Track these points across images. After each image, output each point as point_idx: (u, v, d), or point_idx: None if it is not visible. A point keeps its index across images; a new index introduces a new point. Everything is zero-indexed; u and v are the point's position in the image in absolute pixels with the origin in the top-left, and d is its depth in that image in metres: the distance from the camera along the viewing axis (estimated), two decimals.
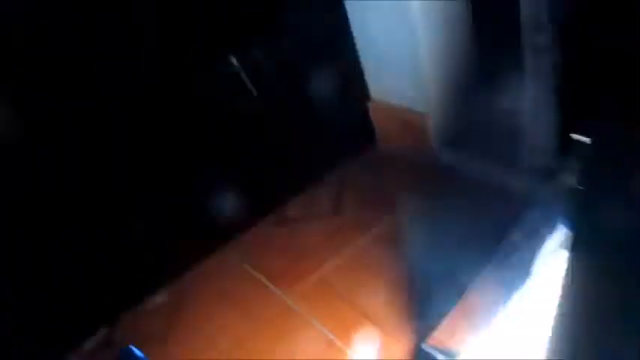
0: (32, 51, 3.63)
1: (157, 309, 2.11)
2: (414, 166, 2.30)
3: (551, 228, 1.79)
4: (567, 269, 1.35)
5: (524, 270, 1.73)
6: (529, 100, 1.94)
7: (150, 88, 3.17)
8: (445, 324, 1.65)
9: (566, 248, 1.64)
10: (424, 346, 1.64)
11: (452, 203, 2.11)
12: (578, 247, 1.37)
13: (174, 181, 2.80)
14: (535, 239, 1.79)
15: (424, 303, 1.80)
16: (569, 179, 1.88)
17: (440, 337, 1.63)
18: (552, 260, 1.72)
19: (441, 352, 1.61)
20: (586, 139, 1.82)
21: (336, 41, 2.55)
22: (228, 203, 2.35)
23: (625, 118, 1.67)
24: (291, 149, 2.90)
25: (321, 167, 2.49)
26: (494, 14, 2.12)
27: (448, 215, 2.07)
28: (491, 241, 1.83)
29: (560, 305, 1.27)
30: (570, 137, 1.88)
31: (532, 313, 1.62)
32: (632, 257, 1.22)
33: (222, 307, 2.01)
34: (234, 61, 3.03)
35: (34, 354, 2.04)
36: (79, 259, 2.38)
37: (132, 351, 1.65)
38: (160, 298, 2.15)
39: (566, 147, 1.92)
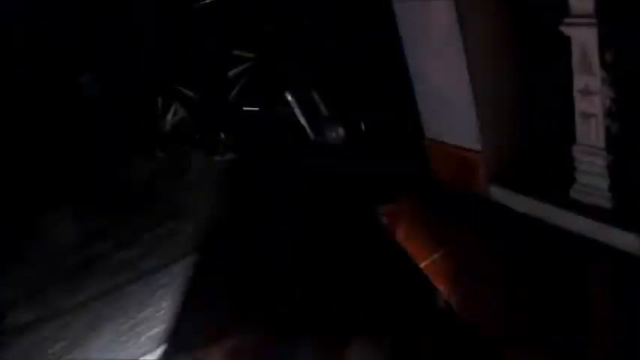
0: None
1: None
2: (466, 203, 2.37)
3: None
4: None
5: None
6: (580, 142, 2.01)
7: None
8: None
9: None
10: None
11: (501, 240, 2.18)
12: None
13: None
14: None
15: None
16: None
17: None
18: None
19: None
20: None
21: (393, 83, 2.68)
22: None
23: None
24: (348, 184, 3.01)
25: (376, 201, 2.58)
26: (545, 58, 2.20)
27: (496, 251, 2.14)
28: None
29: None
30: None
31: None
32: None
33: None
34: (289, 97, 3.17)
35: None
36: None
37: None
38: None
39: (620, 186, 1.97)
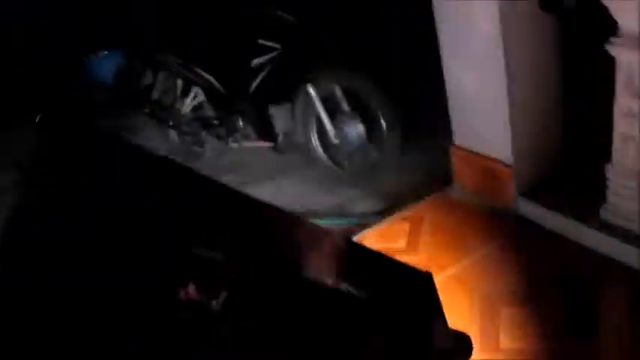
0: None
1: None
2: (490, 213, 2.37)
3: None
4: None
5: None
6: (615, 163, 2.00)
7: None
8: None
9: None
10: None
11: (526, 254, 2.18)
12: None
13: None
14: None
15: None
16: None
17: None
18: None
19: None
20: None
21: (423, 83, 2.65)
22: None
23: None
24: (367, 180, 3.00)
25: (396, 202, 2.57)
26: (588, 76, 2.18)
27: (520, 265, 2.14)
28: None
29: None
30: None
31: None
32: None
33: None
34: (311, 90, 3.13)
35: None
36: None
37: None
38: None
39: None
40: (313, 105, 3.15)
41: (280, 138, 3.37)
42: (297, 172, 3.39)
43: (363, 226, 2.67)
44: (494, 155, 2.31)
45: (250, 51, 3.24)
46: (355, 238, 2.45)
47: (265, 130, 3.38)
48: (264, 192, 3.30)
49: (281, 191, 3.29)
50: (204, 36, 3.51)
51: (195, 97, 3.52)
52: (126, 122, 4.25)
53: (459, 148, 2.47)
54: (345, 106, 3.12)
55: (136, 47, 3.75)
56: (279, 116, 3.35)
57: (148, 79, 3.71)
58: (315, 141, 3.28)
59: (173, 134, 3.73)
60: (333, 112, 3.15)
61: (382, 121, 2.93)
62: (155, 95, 3.67)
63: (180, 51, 3.50)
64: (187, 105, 3.53)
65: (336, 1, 3.48)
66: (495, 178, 2.34)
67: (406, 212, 2.52)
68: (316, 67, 3.13)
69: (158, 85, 3.66)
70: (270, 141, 3.38)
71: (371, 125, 3.04)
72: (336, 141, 3.13)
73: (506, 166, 2.28)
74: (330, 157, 3.25)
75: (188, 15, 3.53)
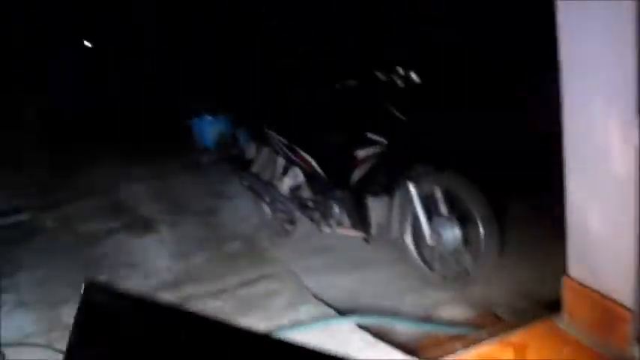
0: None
1: None
2: (602, 354, 2.28)
3: None
4: None
5: None
6: None
7: None
8: None
9: None
10: None
11: None
12: None
13: None
14: None
15: None
16: None
17: None
18: None
19: None
20: None
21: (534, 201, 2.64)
22: None
23: None
24: (458, 286, 2.97)
25: (502, 326, 2.52)
26: None
27: None
28: None
29: None
30: None
31: None
32: None
33: None
34: (411, 188, 3.15)
35: None
36: None
37: None
38: None
39: None
40: (412, 203, 3.16)
41: (373, 230, 3.38)
42: (385, 266, 3.38)
43: (451, 337, 2.63)
44: (613, 296, 2.25)
45: (357, 142, 3.31)
46: (454, 357, 2.41)
47: (360, 220, 3.40)
48: (349, 281, 3.31)
49: (365, 283, 3.28)
50: (313, 121, 3.63)
51: (295, 177, 3.60)
52: (221, 188, 4.40)
53: (572, 279, 2.42)
54: (443, 208, 3.11)
55: (242, 119, 3.93)
56: (376, 208, 3.37)
57: (250, 152, 3.84)
58: (408, 238, 3.27)
59: (267, 209, 3.81)
60: (430, 212, 3.14)
61: (481, 230, 2.90)
62: (255, 169, 3.79)
63: (287, 130, 3.62)
64: (286, 184, 3.62)
65: (447, 105, 3.57)
66: (611, 320, 2.27)
67: (510, 337, 2.46)
68: (419, 166, 3.16)
69: (260, 159, 3.78)
70: (362, 231, 3.39)
71: (468, 231, 3.02)
72: (431, 242, 3.12)
73: (626, 309, 2.21)
74: (422, 256, 3.23)
75: (300, 99, 3.69)
